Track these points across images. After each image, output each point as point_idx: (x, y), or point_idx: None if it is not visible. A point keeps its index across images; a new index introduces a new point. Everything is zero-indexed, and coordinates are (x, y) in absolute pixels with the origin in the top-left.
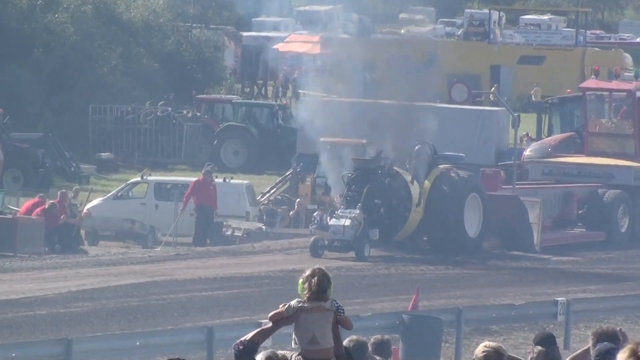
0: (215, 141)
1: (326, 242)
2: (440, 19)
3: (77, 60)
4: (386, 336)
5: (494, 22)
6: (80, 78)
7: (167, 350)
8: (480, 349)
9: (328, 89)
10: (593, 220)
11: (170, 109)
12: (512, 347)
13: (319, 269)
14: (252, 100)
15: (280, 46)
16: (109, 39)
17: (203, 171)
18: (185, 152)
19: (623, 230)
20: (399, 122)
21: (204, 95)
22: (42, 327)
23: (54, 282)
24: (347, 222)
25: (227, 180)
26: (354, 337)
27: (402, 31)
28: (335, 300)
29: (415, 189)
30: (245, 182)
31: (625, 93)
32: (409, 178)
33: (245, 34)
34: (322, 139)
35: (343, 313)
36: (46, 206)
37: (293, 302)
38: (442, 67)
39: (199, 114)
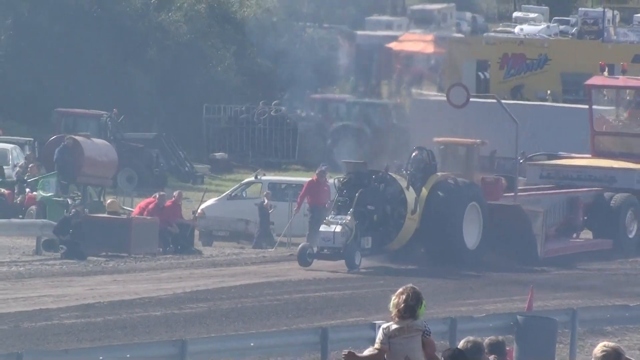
0: (329, 140)
1: (315, 250)
2: (554, 18)
3: (190, 59)
4: (500, 337)
5: (608, 20)
6: (194, 77)
7: (281, 351)
8: (599, 349)
9: (441, 88)
10: (600, 227)
11: (284, 108)
12: (627, 349)
13: (411, 287)
14: (366, 100)
15: (393, 45)
16: (222, 37)
17: (317, 171)
18: (299, 151)
19: (631, 236)
20: (513, 121)
21: (318, 95)
22: (156, 328)
23: (168, 283)
24: (338, 229)
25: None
26: (470, 338)
27: (516, 30)
28: (425, 322)
29: (410, 196)
30: None
31: (634, 90)
32: (404, 184)
33: (359, 32)
34: (435, 139)
35: (429, 335)
36: (157, 200)
37: (380, 334)
38: (555, 65)
39: (312, 113)
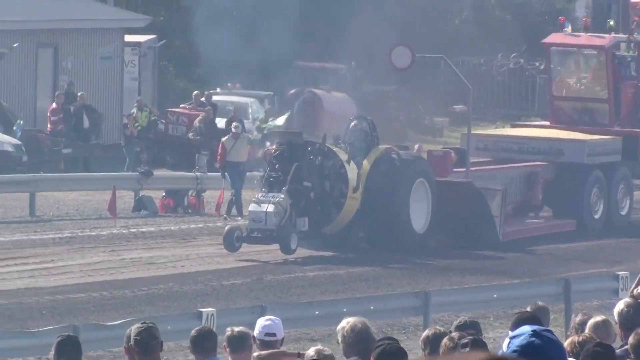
0: None
1: (244, 233)
2: None
3: (426, 12)
4: None
5: None
6: (432, 29)
7: (524, 303)
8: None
9: None
10: (561, 206)
11: (522, 60)
12: None
13: None
14: None
15: None
16: None
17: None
18: (537, 104)
19: (597, 216)
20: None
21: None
22: (397, 280)
23: None
24: (270, 208)
25: None
26: None
27: None
28: None
29: (352, 171)
30: None
31: (596, 50)
32: (344, 157)
33: None
34: None
35: None
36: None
37: None
38: None
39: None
